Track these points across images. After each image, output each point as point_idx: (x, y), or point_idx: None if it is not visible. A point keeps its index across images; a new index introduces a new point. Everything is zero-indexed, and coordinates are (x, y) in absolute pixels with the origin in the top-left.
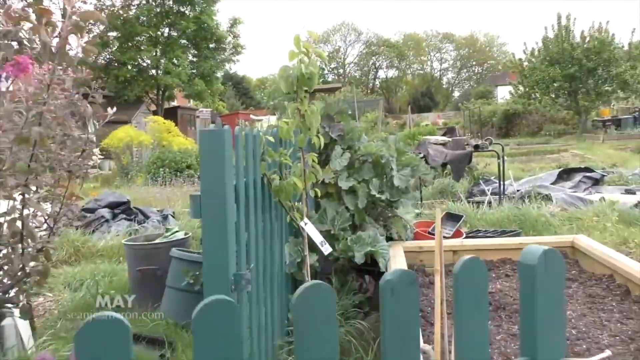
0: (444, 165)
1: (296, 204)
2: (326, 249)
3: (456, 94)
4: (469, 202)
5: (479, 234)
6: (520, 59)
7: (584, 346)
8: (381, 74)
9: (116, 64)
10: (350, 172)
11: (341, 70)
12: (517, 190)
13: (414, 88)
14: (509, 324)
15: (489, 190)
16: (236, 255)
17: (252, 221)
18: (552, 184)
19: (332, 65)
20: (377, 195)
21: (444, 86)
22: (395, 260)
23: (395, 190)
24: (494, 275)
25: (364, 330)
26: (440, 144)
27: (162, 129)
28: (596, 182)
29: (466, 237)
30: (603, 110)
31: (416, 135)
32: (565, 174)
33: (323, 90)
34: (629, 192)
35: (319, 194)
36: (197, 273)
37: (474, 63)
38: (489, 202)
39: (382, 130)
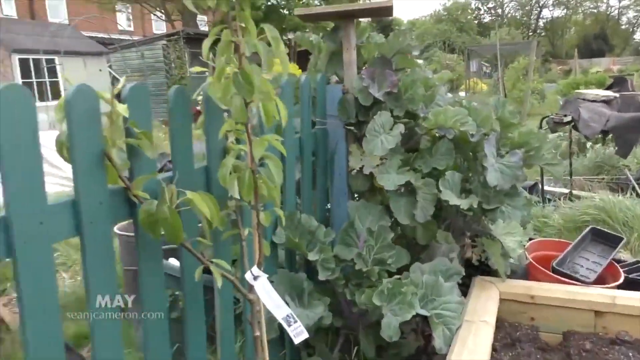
0: (603, 133)
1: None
2: (296, 332)
3: (638, 36)
4: None
5: None
6: None
7: None
8: (546, 13)
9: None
10: (406, 159)
11: (499, 11)
12: None
13: (584, 29)
14: None
15: None
16: None
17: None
18: None
19: (490, 5)
20: (454, 203)
21: (623, 27)
22: (471, 329)
23: (492, 192)
24: None
25: None
26: (602, 101)
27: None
28: None
29: (625, 282)
30: None
31: (580, 85)
32: None
33: (365, 12)
34: None
35: (357, 192)
36: (177, 293)
37: None
38: None
39: (534, 80)
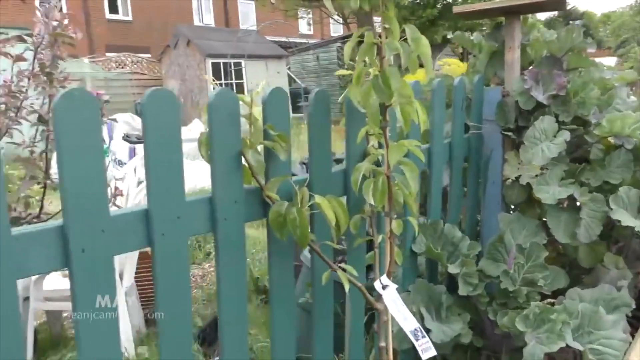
0: None
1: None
2: (424, 347)
3: None
4: None
5: None
6: None
7: None
8: None
9: (421, 3)
10: (572, 171)
11: None
12: None
13: None
14: None
15: None
16: None
17: None
18: None
19: None
20: (628, 223)
21: None
22: None
23: None
24: None
25: None
26: None
27: (454, 72)
28: None
29: None
30: None
31: None
32: None
33: (533, 7)
34: None
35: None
36: None
37: None
38: None
39: None
